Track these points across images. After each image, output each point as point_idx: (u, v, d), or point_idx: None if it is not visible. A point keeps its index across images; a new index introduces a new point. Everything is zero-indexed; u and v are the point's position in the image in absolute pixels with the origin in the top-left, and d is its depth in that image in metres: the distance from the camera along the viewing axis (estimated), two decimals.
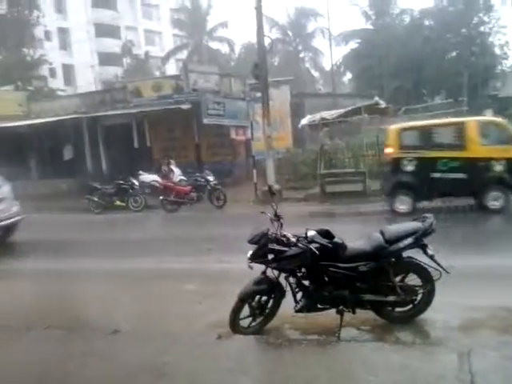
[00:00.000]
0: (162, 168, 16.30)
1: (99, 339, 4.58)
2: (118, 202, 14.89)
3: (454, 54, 28.10)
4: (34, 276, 7.56)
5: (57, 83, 38.03)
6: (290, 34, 44.39)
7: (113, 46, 47.13)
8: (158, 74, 40.00)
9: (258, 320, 4.70)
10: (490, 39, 29.67)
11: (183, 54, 44.06)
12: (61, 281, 7.19)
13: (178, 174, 15.63)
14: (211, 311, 5.25)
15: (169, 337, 4.52)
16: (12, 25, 27.95)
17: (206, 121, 17.12)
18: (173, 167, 15.83)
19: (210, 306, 5.50)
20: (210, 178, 14.29)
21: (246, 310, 4.65)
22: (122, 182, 14.97)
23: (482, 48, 28.65)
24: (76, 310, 5.96)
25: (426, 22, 31.24)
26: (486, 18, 29.04)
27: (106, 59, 47.99)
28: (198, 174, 14.87)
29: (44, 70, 32.87)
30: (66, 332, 4.81)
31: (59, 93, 30.16)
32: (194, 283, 6.52)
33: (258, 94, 15.47)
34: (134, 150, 17.84)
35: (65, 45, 47.62)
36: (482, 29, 29.09)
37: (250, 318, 4.67)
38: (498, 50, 30.48)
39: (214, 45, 45.70)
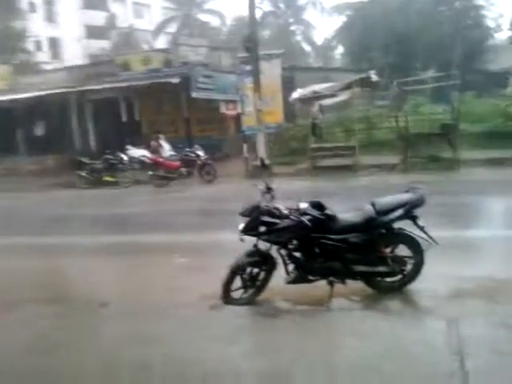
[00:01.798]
0: (151, 143, 16.14)
1: (87, 312, 4.59)
2: (107, 178, 14.80)
3: (446, 27, 27.81)
4: (17, 251, 7.49)
5: (43, 57, 37.19)
6: (281, 6, 43.66)
7: (100, 18, 46.00)
8: (146, 47, 39.26)
9: (250, 292, 4.73)
10: (484, 12, 29.39)
11: (172, 28, 43.18)
12: (46, 256, 7.15)
13: (167, 149, 15.50)
14: (203, 283, 5.28)
15: (159, 308, 4.54)
16: None
17: (195, 95, 16.91)
18: (162, 142, 15.68)
19: (201, 278, 5.52)
20: (200, 153, 14.20)
21: (237, 282, 4.68)
22: (110, 157, 14.85)
23: (476, 21, 28.40)
24: (63, 284, 5.96)
25: None
26: None
27: (93, 32, 46.88)
28: (187, 149, 14.75)
29: (30, 44, 32.08)
30: (53, 305, 4.81)
31: (45, 66, 29.53)
32: (188, 256, 6.53)
33: (249, 68, 15.26)
34: (122, 124, 17.63)
35: (50, 17, 46.33)
36: (475, 1, 28.79)
37: (242, 290, 4.70)
38: (491, 23, 30.29)
39: (204, 17, 44.92)
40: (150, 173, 14.01)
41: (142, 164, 15.04)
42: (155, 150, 15.49)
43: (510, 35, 36.63)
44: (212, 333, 3.88)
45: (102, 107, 18.39)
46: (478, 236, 6.61)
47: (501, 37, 35.82)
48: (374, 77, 14.57)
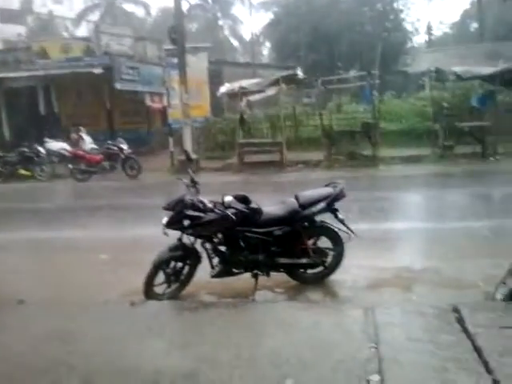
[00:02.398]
0: (71, 135, 15.36)
1: (3, 309, 4.30)
2: (22, 171, 13.92)
3: (368, 28, 28.97)
4: None
5: None
6: (208, 0, 43.28)
7: (15, 1, 42.97)
8: (66, 35, 37.28)
9: (174, 286, 4.66)
10: (403, 15, 30.92)
11: (95, 16, 41.32)
12: None
13: (88, 142, 14.83)
14: (125, 280, 5.12)
15: (78, 305, 4.34)
16: None
17: (119, 86, 16.35)
18: (83, 135, 14.97)
19: (123, 274, 5.35)
20: (124, 147, 13.72)
21: (161, 277, 4.59)
22: (26, 149, 13.99)
23: (395, 24, 29.82)
24: None
25: None
26: None
27: (7, 16, 43.71)
28: (110, 142, 14.19)
29: None
30: None
31: None
32: (107, 253, 6.30)
33: (175, 60, 14.98)
34: (40, 115, 16.68)
35: None
36: (395, 5, 30.21)
37: (165, 285, 4.62)
38: (409, 27, 31.99)
39: (128, 7, 43.42)
40: (70, 166, 13.35)
41: (61, 157, 14.28)
42: (75, 143, 14.78)
43: (427, 39, 39.09)
44: (133, 329, 3.76)
45: (18, 97, 17.29)
46: (395, 228, 6.96)
47: (418, 40, 38.12)
48: (300, 74, 14.90)
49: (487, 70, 13.14)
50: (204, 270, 4.66)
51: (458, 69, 13.32)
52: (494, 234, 6.14)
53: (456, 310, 3.59)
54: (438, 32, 43.45)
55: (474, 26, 35.79)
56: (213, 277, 4.66)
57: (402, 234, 6.75)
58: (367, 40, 26.80)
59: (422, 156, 13.19)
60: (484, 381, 2.75)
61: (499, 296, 3.95)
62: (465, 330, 3.29)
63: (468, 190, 9.35)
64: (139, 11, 44.08)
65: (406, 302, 4.41)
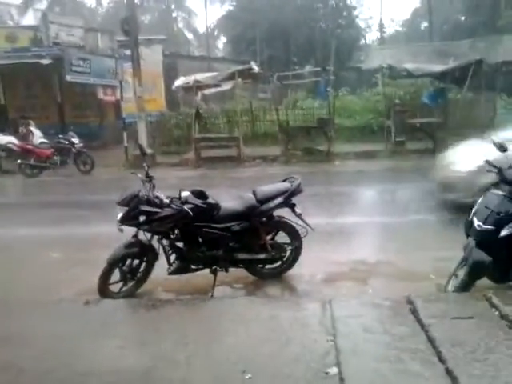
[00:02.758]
0: (19, 129, 14.69)
1: None
2: None
3: (323, 24, 29.39)
4: None
5: None
6: None
7: None
8: (11, 23, 35.59)
9: (130, 284, 4.57)
10: (356, 13, 31.57)
11: (42, 4, 39.71)
12: None
13: (38, 136, 14.21)
14: (79, 278, 4.96)
15: (30, 304, 4.17)
16: None
17: (69, 78, 15.77)
18: (32, 128, 14.34)
19: (78, 273, 5.18)
20: (75, 141, 13.24)
21: (116, 275, 4.47)
22: None
23: (348, 21, 30.39)
24: None
25: None
26: None
27: None
28: (60, 136, 13.65)
29: None
30: None
31: None
32: (60, 251, 6.08)
33: (128, 52, 14.60)
34: None
35: None
36: (348, 2, 30.77)
37: (121, 283, 4.52)
38: (362, 24, 32.73)
39: None
40: (19, 161, 12.77)
41: (8, 152, 13.59)
42: (24, 137, 14.13)
43: (379, 36, 40.05)
44: (87, 328, 3.64)
45: None
46: (350, 222, 7.09)
47: (371, 37, 39.05)
48: (256, 68, 14.87)
49: (438, 67, 13.55)
50: (161, 267, 4.58)
51: (409, 66, 13.68)
52: (445, 226, 6.37)
53: (410, 302, 3.69)
54: (390, 29, 44.71)
55: (425, 24, 36.98)
56: (170, 274, 4.59)
57: (357, 227, 6.88)
58: (322, 36, 27.19)
59: (375, 151, 13.50)
60: (437, 370, 2.84)
61: (451, 288, 4.10)
62: (419, 321, 3.39)
63: (420, 184, 9.63)
64: (90, 1, 42.78)
65: (362, 294, 4.52)
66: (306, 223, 4.81)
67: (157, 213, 4.36)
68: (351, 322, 3.50)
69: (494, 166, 4.13)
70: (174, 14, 43.96)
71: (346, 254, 5.58)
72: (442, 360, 2.91)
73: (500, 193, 4.07)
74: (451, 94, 15.02)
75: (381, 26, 39.82)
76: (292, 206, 4.85)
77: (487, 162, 4.20)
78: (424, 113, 14.49)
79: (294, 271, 4.98)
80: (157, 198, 4.41)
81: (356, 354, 3.05)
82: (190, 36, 45.77)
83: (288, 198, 4.79)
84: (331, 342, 3.22)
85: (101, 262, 4.41)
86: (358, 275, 4.99)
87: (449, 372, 2.79)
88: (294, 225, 4.86)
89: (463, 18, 36.16)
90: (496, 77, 14.18)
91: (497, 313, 3.41)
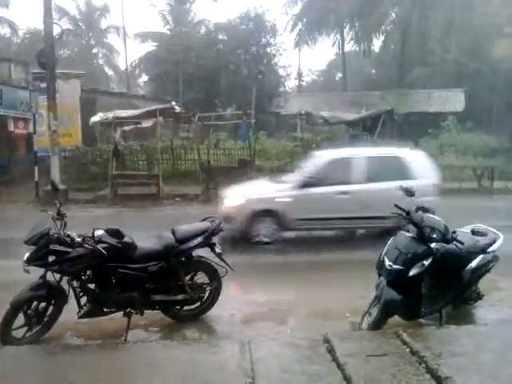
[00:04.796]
0: None
1: None
2: None
3: (244, 70, 30.34)
4: None
5: None
6: (82, 26, 41.64)
7: None
8: None
9: (36, 329, 4.23)
10: (275, 60, 33.00)
11: None
12: None
13: None
14: None
15: None
16: None
17: None
18: None
19: None
20: None
21: (21, 319, 4.11)
22: None
23: (268, 68, 31.67)
24: None
25: (220, 36, 32.95)
26: (271, 41, 32.15)
27: None
28: None
29: None
30: None
31: None
32: None
33: (44, 85, 14.05)
34: None
35: None
36: (268, 50, 32.13)
37: (26, 328, 4.16)
38: (282, 71, 34.24)
39: None
40: None
41: None
42: None
43: (297, 84, 42.18)
44: None
45: None
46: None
47: (290, 85, 41.02)
48: (177, 108, 14.96)
49: (351, 116, 14.52)
50: (71, 310, 4.28)
51: (325, 114, 14.52)
52: None
53: (326, 341, 3.74)
54: (307, 78, 47.20)
55: (339, 75, 39.56)
56: (80, 317, 4.32)
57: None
58: (243, 81, 28.03)
59: None
60: None
61: (364, 325, 4.22)
62: (335, 360, 3.44)
63: None
64: (4, 30, 40.82)
65: (281, 334, 4.51)
66: (225, 263, 4.77)
67: (68, 252, 4.12)
68: (270, 362, 3.47)
69: (403, 210, 4.41)
70: (94, 50, 43.22)
71: (266, 294, 5.56)
72: None
73: (408, 234, 4.33)
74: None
75: (299, 75, 42.06)
76: (212, 246, 4.81)
77: (396, 205, 4.47)
78: None
79: (213, 312, 4.88)
80: (68, 236, 4.18)
81: None
82: (110, 72, 45.07)
83: (208, 238, 4.75)
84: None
85: (2, 306, 4.05)
86: (277, 316, 5.01)
87: None
88: (214, 265, 4.80)
89: (374, 71, 39.31)
90: (404, 126, 15.43)
91: (408, 349, 3.55)
